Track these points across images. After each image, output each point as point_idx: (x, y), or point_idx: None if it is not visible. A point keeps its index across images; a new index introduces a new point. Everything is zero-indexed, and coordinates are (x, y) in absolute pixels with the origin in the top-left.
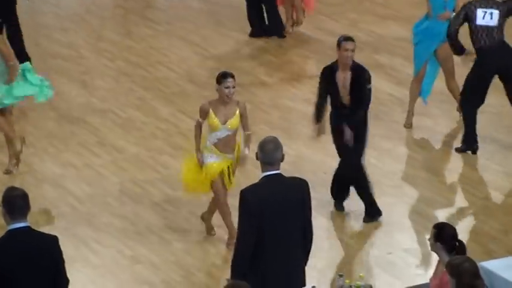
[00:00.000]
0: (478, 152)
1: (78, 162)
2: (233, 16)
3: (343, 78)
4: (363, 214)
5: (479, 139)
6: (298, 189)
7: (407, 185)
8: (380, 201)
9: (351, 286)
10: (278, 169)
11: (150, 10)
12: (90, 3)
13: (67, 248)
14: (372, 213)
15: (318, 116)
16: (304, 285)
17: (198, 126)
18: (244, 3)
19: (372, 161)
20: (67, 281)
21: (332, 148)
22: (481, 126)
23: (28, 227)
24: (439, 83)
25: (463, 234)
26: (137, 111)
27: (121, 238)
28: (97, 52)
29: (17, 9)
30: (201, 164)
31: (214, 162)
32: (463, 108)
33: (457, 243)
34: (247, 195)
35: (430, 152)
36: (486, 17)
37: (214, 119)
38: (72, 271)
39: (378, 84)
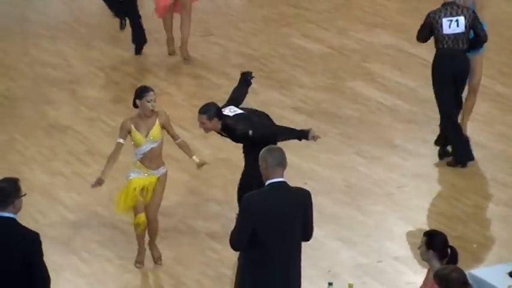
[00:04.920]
0: None
1: (67, 171)
2: (221, 24)
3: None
4: (353, 221)
5: None
6: (301, 199)
7: (396, 193)
8: (370, 210)
9: None
10: (282, 176)
11: None
12: (78, 12)
13: (56, 257)
14: None
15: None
16: None
17: (118, 149)
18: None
19: (361, 169)
20: (48, 276)
21: (321, 157)
22: (470, 134)
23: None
24: (426, 91)
25: (453, 242)
26: None
27: (110, 247)
28: (86, 60)
29: (5, 17)
30: (98, 182)
31: (137, 176)
32: (442, 122)
33: (448, 250)
34: (248, 202)
35: (420, 160)
36: (452, 25)
37: (137, 134)
38: (61, 280)
39: (367, 93)
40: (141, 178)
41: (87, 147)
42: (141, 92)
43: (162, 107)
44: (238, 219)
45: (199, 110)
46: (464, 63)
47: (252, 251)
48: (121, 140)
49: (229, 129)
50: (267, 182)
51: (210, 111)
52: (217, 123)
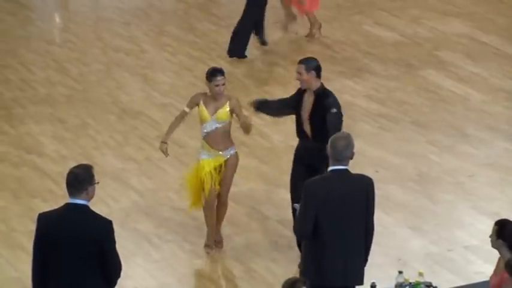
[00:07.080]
0: None
1: (139, 156)
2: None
3: (308, 100)
4: (424, 209)
5: None
6: (363, 186)
7: (468, 181)
8: (441, 198)
9: (410, 283)
10: (346, 165)
11: (212, 5)
12: None
13: (127, 242)
14: None
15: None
16: (362, 283)
17: (180, 116)
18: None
19: (433, 158)
20: (119, 263)
21: (393, 145)
22: None
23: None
24: (499, 80)
25: None
26: None
27: (181, 232)
28: (159, 46)
29: (79, 3)
30: (163, 149)
31: (206, 160)
32: None
33: None
34: (309, 186)
35: (491, 149)
36: None
37: (204, 110)
38: (132, 265)
39: (439, 81)
40: (210, 160)
41: (159, 133)
42: (210, 75)
43: (234, 93)
44: (301, 205)
45: (300, 60)
46: None
47: (312, 240)
48: (186, 109)
49: (323, 94)
50: (330, 169)
51: (310, 63)
52: (312, 79)
